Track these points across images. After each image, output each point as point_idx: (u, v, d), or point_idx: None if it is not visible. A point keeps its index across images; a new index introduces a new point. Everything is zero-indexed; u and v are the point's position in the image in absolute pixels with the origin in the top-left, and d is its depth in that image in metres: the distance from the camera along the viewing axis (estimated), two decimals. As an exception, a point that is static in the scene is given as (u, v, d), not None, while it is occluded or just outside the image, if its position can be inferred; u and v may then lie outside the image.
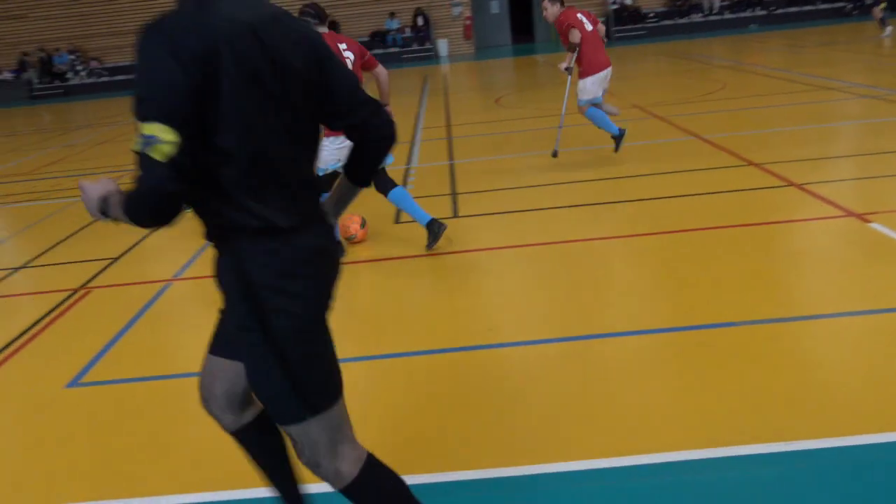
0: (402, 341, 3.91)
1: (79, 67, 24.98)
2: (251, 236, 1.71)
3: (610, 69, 6.97)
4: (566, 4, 6.97)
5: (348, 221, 5.48)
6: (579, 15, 6.90)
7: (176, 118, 1.51)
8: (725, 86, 11.96)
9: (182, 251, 5.87)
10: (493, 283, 4.66)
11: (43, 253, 6.22)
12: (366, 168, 1.98)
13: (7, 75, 24.99)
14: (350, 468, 1.87)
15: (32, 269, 5.88)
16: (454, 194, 6.71)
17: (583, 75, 6.89)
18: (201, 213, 1.77)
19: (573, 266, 4.81)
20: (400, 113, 12.19)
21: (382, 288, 4.71)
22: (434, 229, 5.13)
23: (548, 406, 3.11)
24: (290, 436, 1.86)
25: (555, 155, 7.32)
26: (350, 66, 4.92)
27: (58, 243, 6.47)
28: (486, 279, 4.74)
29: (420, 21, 25.17)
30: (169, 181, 1.54)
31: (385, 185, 5.14)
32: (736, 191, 5.96)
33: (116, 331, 4.40)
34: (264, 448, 2.20)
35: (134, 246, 6.14)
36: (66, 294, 5.12)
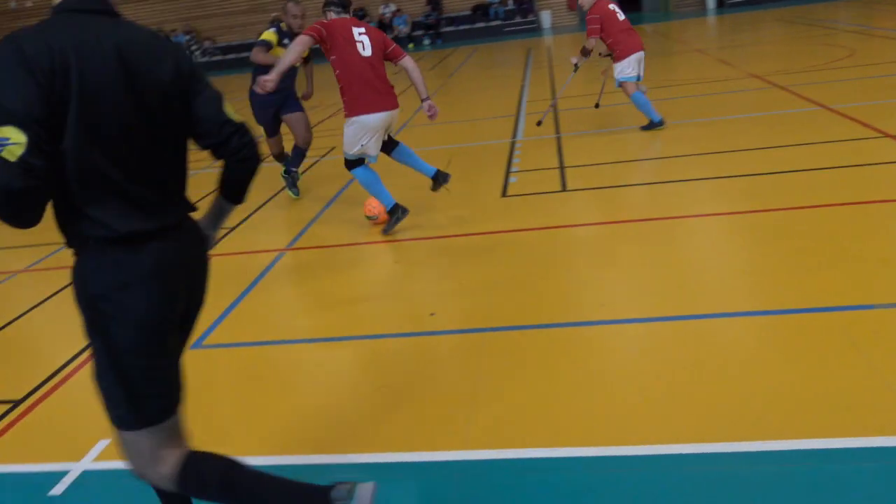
0: (512, 315, 3.85)
1: (194, 47, 26.06)
2: (96, 244, 1.77)
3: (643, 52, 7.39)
4: None
5: (373, 201, 5.50)
6: (612, 6, 7.31)
7: (27, 123, 1.60)
8: (854, 52, 11.12)
9: (295, 222, 6.03)
10: (604, 258, 4.53)
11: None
12: (236, 188, 2.09)
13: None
14: (171, 470, 1.95)
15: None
16: (562, 168, 6.56)
17: (617, 59, 7.35)
18: (56, 220, 1.81)
19: (689, 243, 4.61)
20: (504, 86, 12.07)
21: (489, 261, 4.66)
22: (397, 214, 5.23)
23: (661, 387, 2.99)
24: (120, 440, 1.94)
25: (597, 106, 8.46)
26: (362, 50, 4.90)
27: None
28: (597, 254, 4.61)
29: (522, -7, 24.75)
30: (15, 179, 1.59)
31: (388, 147, 5.37)
32: (871, 164, 5.54)
33: (235, 297, 4.56)
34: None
35: (248, 217, 6.35)
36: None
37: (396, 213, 5.21)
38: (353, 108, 4.98)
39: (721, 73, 10.77)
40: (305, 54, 5.67)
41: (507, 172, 6.63)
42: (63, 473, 2.96)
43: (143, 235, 1.80)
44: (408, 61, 5.03)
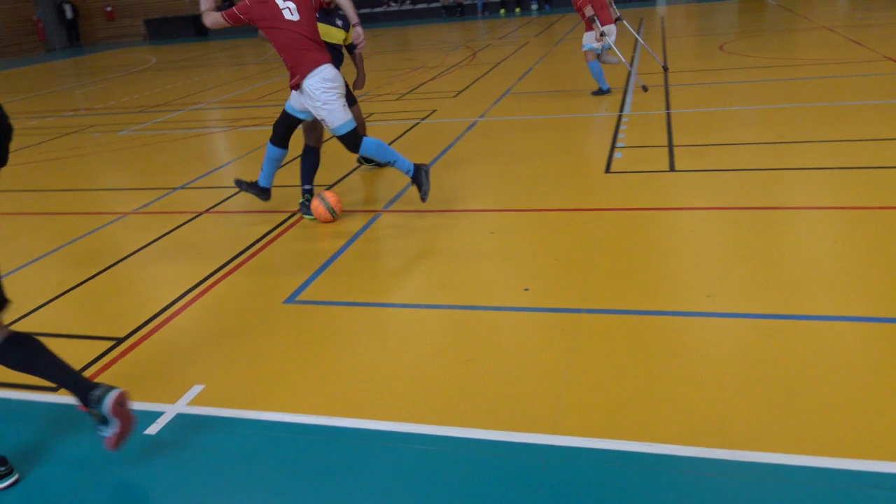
0: (609, 297, 3.70)
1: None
2: None
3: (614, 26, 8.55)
4: None
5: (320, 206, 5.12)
6: None
7: None
8: None
9: (394, 180, 6.01)
10: (712, 246, 4.29)
11: (267, 175, 6.64)
12: None
13: (241, 8, 27.08)
14: None
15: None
16: (671, 146, 6.26)
17: (588, 29, 8.50)
18: None
19: (804, 236, 4.30)
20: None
21: (589, 239, 4.50)
22: (421, 178, 4.95)
23: (766, 390, 2.79)
24: None
25: (645, 89, 8.67)
26: (292, 15, 4.67)
27: (282, 166, 6.88)
28: (704, 241, 4.37)
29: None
30: None
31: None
32: None
33: (329, 255, 4.59)
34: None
35: (346, 176, 6.38)
36: (286, 215, 5.43)
37: (420, 175, 4.93)
38: (303, 69, 4.73)
39: (851, 54, 10.01)
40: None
41: (612, 147, 6.39)
42: (158, 414, 3.05)
43: None
44: None
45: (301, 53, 4.70)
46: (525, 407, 2.86)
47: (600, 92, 8.73)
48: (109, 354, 3.60)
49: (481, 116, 8.27)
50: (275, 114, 9.84)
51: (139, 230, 5.51)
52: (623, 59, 8.79)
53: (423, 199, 4.98)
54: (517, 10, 23.44)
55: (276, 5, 4.66)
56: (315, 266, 4.44)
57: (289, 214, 5.44)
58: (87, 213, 6.04)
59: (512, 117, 8.13)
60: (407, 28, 22.61)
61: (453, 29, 20.61)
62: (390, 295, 4.05)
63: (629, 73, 9.82)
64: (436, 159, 6.58)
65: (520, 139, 7.10)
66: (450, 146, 7.02)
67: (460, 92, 10.02)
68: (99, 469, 2.77)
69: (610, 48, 8.54)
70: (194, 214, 5.70)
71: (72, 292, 4.43)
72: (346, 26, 5.31)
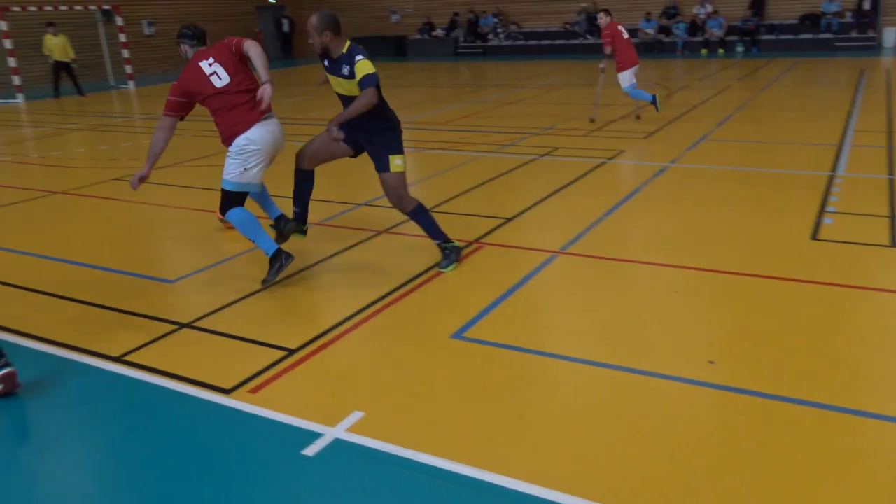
0: (810, 387, 3.26)
1: (499, 30, 26.91)
2: None
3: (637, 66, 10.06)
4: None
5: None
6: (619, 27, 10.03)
7: None
8: None
9: (573, 222, 5.80)
10: (942, 342, 3.68)
11: (447, 200, 6.68)
12: None
13: (440, 32, 28.03)
14: None
15: (436, 213, 6.32)
16: (893, 217, 5.55)
17: (620, 70, 10.05)
18: None
19: None
20: (826, 109, 10.68)
21: (788, 314, 4.03)
22: (280, 261, 4.58)
23: None
24: None
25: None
26: (220, 80, 4.50)
27: (460, 193, 6.91)
28: (931, 335, 3.76)
29: (867, 5, 21.84)
30: None
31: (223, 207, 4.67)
32: None
33: (500, 292, 4.47)
34: None
35: (528, 209, 6.26)
36: (461, 245, 5.39)
37: (279, 259, 4.59)
38: (231, 131, 4.53)
39: None
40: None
41: (821, 211, 5.77)
42: (317, 435, 3.05)
43: None
44: (249, 44, 4.58)
45: (232, 114, 4.54)
46: (696, 500, 2.54)
47: (654, 104, 10.20)
48: (281, 364, 3.68)
49: (673, 162, 7.85)
50: (460, 139, 10.01)
51: (320, 242, 5.70)
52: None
53: (263, 282, 4.66)
54: (720, 51, 22.34)
55: (203, 72, 4.54)
56: (485, 302, 4.33)
57: (465, 244, 5.39)
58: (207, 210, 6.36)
59: (707, 166, 7.63)
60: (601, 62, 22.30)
61: (649, 66, 20.02)
62: (559, 345, 3.84)
63: (845, 128, 8.93)
64: (620, 203, 6.29)
65: (714, 191, 6.63)
66: (636, 190, 6.70)
67: (652, 133, 9.61)
68: (252, 482, 2.79)
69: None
70: (373, 233, 5.81)
71: (253, 297, 4.63)
72: (353, 75, 4.62)
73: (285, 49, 31.05)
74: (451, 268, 4.90)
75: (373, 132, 4.82)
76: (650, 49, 23.57)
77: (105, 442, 3.22)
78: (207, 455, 3.03)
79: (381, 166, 4.84)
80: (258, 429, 3.16)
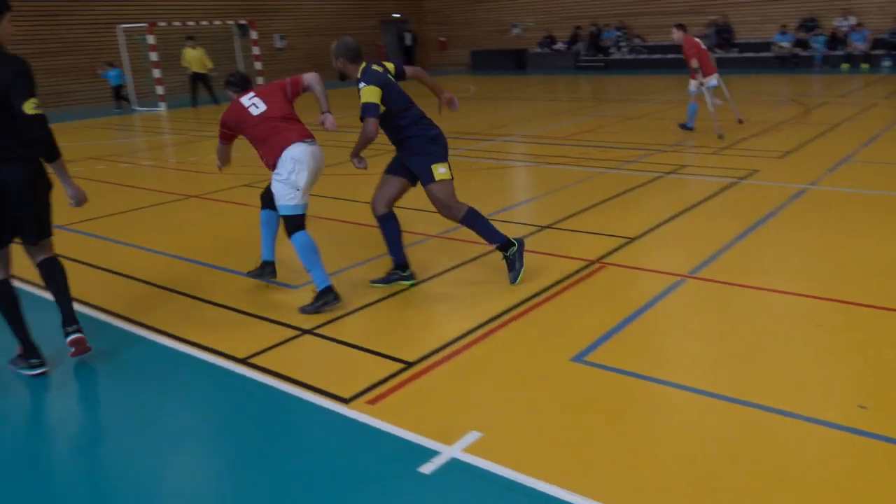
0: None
1: (622, 43, 26.37)
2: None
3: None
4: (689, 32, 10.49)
5: None
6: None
7: None
8: None
9: (702, 245, 5.50)
10: None
11: (567, 217, 6.52)
12: (42, 155, 3.71)
13: (561, 46, 27.79)
14: None
15: (555, 230, 6.19)
16: None
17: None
18: None
19: None
20: None
21: None
22: (328, 298, 4.56)
23: None
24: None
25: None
26: (258, 109, 4.68)
27: (581, 211, 6.73)
28: None
29: None
30: None
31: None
32: None
33: (624, 316, 4.28)
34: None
35: (653, 229, 6.00)
36: (582, 264, 5.22)
37: (328, 296, 4.56)
38: (273, 154, 4.60)
39: None
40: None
41: None
42: (434, 453, 2.99)
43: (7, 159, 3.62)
44: (308, 76, 4.85)
45: (272, 137, 4.62)
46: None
47: (684, 127, 10.90)
48: (398, 377, 3.66)
49: (813, 184, 7.33)
50: (581, 154, 9.80)
51: (439, 254, 5.68)
52: (717, 102, 10.57)
53: (301, 309, 4.58)
54: (864, 65, 20.89)
55: (242, 105, 4.73)
56: (608, 325, 4.16)
57: (586, 263, 5.22)
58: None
59: (852, 189, 7.08)
60: (731, 77, 21.36)
61: (784, 81, 18.99)
62: (687, 376, 3.60)
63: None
64: (754, 227, 5.91)
65: (860, 217, 6.13)
66: (771, 214, 6.28)
67: (788, 153, 9.05)
68: (365, 494, 2.76)
69: (716, 86, 10.52)
70: (493, 248, 5.73)
71: (373, 306, 4.65)
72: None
73: (407, 61, 31.71)
74: (520, 280, 4.82)
75: (413, 151, 4.79)
76: (784, 63, 22.39)
77: (222, 440, 3.29)
78: (321, 462, 3.03)
79: (426, 179, 4.79)
80: (374, 441, 3.14)
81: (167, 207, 7.86)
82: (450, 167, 4.81)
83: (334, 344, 4.12)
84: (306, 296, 4.90)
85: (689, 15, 25.24)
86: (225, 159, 5.10)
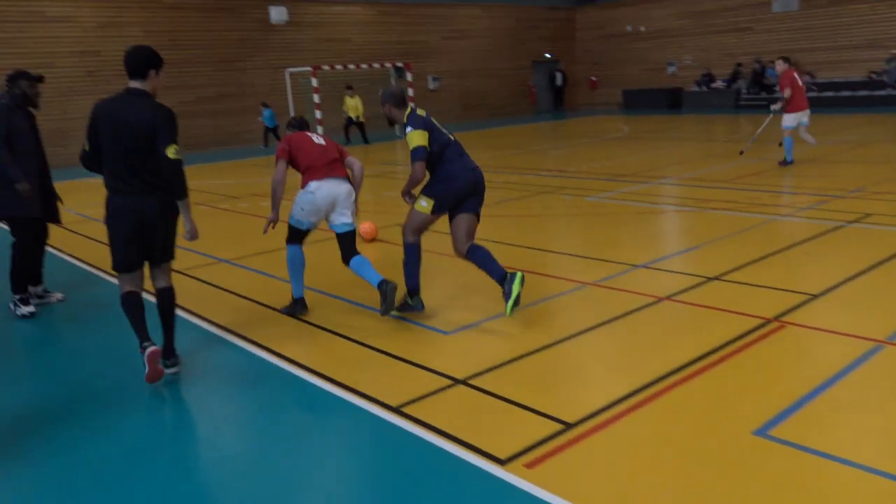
0: None
1: (787, 80, 24.88)
2: (108, 193, 4.23)
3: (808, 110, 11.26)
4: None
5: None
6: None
7: (89, 138, 4.18)
8: None
9: (899, 309, 4.85)
10: None
11: (736, 268, 6.01)
12: (174, 193, 4.24)
13: (720, 84, 26.63)
14: (123, 292, 4.36)
15: (723, 282, 5.71)
16: None
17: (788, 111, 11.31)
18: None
19: None
20: None
21: None
22: (296, 309, 5.47)
23: None
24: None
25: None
26: (321, 141, 5.46)
27: (753, 261, 6.19)
28: None
29: None
30: (84, 159, 4.28)
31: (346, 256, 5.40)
32: None
33: (815, 384, 3.80)
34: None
35: (839, 285, 5.39)
36: (757, 322, 4.74)
37: (296, 307, 5.50)
38: (306, 181, 5.34)
39: None
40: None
41: None
42: (599, 532, 2.71)
43: (119, 191, 4.20)
44: (352, 161, 5.57)
45: (314, 171, 5.27)
46: None
47: (785, 163, 11.34)
48: (558, 439, 3.41)
49: None
50: (749, 198, 9.14)
51: (597, 304, 5.39)
52: (813, 140, 11.61)
53: (283, 310, 5.54)
54: None
55: (308, 136, 5.44)
56: (795, 394, 3.70)
57: (762, 321, 4.74)
58: (548, 276, 6.17)
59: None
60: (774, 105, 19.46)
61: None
62: (870, 458, 3.09)
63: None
64: (964, 287, 5.16)
65: None
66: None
67: None
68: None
69: (805, 126, 11.35)
70: (654, 299, 5.36)
71: (527, 358, 4.44)
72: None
73: (556, 101, 31.61)
74: (511, 308, 4.80)
75: (428, 185, 5.18)
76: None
77: (374, 493, 3.17)
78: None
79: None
80: (533, 510, 2.90)
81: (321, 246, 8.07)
82: (435, 204, 5.04)
83: (489, 397, 3.93)
84: (459, 344, 4.77)
85: (869, 49, 23.48)
86: (279, 201, 5.35)
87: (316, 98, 20.49)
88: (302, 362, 4.56)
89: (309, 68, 20.69)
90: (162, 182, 4.15)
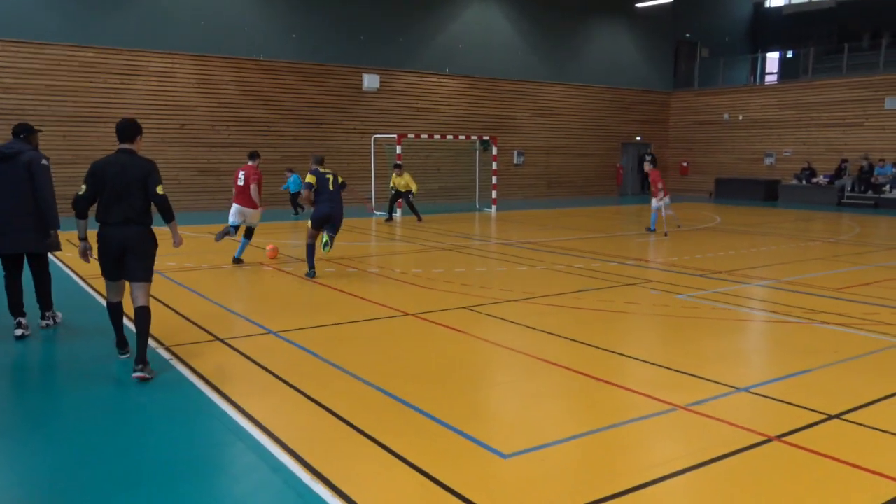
0: None
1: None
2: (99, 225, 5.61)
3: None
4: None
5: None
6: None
7: (87, 184, 5.61)
8: None
9: None
10: None
11: (865, 405, 4.97)
12: (164, 218, 5.70)
13: (822, 179, 25.16)
14: (108, 302, 5.93)
15: (847, 424, 4.68)
16: None
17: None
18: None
19: None
20: None
21: None
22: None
23: None
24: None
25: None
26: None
27: (884, 398, 5.12)
28: None
29: None
30: (76, 201, 5.62)
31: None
32: None
33: None
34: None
35: None
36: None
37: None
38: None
39: None
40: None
41: None
42: None
43: (108, 223, 5.57)
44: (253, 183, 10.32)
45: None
46: None
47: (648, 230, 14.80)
48: None
49: None
50: (864, 311, 7.98)
51: (688, 436, 4.45)
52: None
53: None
54: None
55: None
56: None
57: (906, 489, 3.71)
58: (630, 390, 5.27)
59: None
60: None
61: None
62: None
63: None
64: None
65: None
66: None
67: None
68: None
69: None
70: (762, 438, 4.39)
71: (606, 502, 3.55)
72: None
73: (644, 184, 30.66)
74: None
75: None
76: None
77: None
78: None
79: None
80: None
81: (381, 324, 7.40)
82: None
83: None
84: (516, 472, 3.93)
85: None
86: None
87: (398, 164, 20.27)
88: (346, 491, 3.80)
89: (394, 136, 20.59)
90: (138, 216, 5.52)
